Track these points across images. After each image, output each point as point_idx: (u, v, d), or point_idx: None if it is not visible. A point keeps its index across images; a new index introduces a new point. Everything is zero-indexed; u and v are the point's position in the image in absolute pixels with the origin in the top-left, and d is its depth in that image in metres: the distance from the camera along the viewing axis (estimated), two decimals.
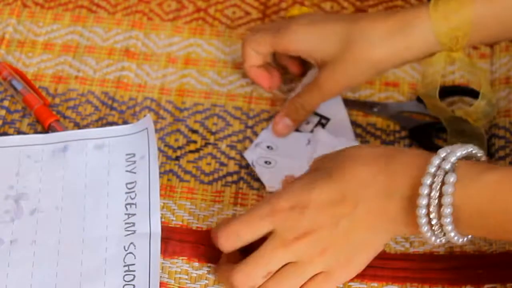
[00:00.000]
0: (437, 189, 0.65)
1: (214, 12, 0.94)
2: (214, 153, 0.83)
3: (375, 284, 0.73)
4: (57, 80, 0.88)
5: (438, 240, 0.67)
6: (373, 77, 0.85)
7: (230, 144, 0.83)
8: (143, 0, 0.94)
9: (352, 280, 0.73)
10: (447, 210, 0.65)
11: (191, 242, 0.76)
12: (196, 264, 0.75)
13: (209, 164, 0.82)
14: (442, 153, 0.66)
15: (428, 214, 0.66)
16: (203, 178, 0.81)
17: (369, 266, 0.74)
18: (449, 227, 0.65)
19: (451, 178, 0.65)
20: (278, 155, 0.82)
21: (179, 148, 0.83)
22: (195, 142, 0.84)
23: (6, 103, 0.86)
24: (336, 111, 0.85)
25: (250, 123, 0.85)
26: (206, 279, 0.74)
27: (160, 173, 0.80)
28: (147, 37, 0.91)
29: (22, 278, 0.73)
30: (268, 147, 0.83)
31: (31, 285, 0.73)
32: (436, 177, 0.65)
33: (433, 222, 0.66)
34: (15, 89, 0.86)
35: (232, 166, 0.82)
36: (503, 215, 0.64)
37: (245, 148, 0.83)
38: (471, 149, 0.67)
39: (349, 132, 0.83)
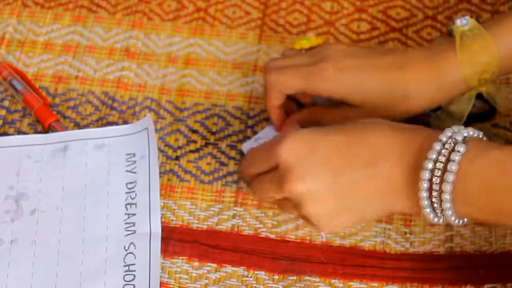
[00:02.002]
0: (446, 155, 0.66)
1: (214, 12, 0.94)
2: (214, 153, 0.83)
3: (375, 284, 0.73)
4: (57, 80, 0.88)
5: (432, 216, 0.67)
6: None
7: (230, 144, 0.83)
8: (143, 0, 0.94)
9: (352, 280, 0.74)
10: (450, 177, 0.65)
11: (191, 242, 0.76)
12: (196, 264, 0.75)
13: (209, 164, 0.82)
14: (455, 128, 0.67)
15: (431, 179, 0.66)
16: (203, 178, 0.81)
17: (369, 266, 0.74)
18: (447, 196, 0.65)
19: (461, 148, 0.65)
20: None
21: (179, 148, 0.83)
22: (195, 142, 0.84)
23: (6, 103, 0.86)
24: None
25: (250, 123, 0.85)
26: (206, 279, 0.74)
27: (160, 173, 0.80)
28: (147, 37, 0.91)
29: (22, 278, 0.73)
30: None
31: (31, 285, 0.73)
32: (447, 144, 0.66)
33: (434, 190, 0.66)
34: (15, 89, 0.86)
35: (232, 166, 0.82)
36: (504, 193, 0.64)
37: (242, 153, 0.83)
38: (481, 134, 0.68)
39: None
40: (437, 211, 0.67)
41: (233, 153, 0.83)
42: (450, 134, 0.67)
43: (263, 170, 0.74)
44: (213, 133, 0.84)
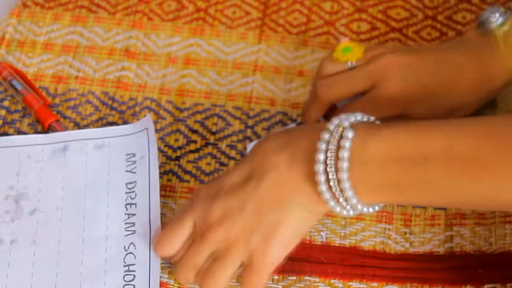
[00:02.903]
0: (335, 144, 0.65)
1: (214, 12, 0.94)
2: (214, 153, 0.83)
3: (375, 284, 0.73)
4: (57, 80, 0.88)
5: (340, 209, 0.66)
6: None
7: (230, 144, 0.83)
8: (143, 0, 0.94)
9: (351, 280, 0.74)
10: (344, 165, 0.64)
11: None
12: None
13: (209, 164, 0.82)
14: (343, 115, 0.66)
15: (326, 171, 0.65)
16: (203, 178, 0.81)
17: (369, 266, 0.74)
18: (346, 184, 0.64)
19: (349, 134, 0.64)
20: None
21: (179, 148, 0.83)
22: (195, 142, 0.84)
23: (6, 103, 0.86)
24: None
25: (250, 123, 0.85)
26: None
27: (160, 173, 0.80)
28: (147, 37, 0.92)
29: (22, 278, 0.73)
30: None
31: (31, 285, 0.73)
32: (334, 132, 0.65)
33: (331, 180, 0.65)
34: (15, 89, 0.86)
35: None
36: (400, 168, 0.63)
37: (245, 149, 0.83)
38: (372, 118, 0.67)
39: None
40: (341, 202, 0.66)
41: (233, 153, 0.83)
42: (337, 122, 0.66)
43: (182, 241, 0.72)
44: (213, 133, 0.84)
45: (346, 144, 0.64)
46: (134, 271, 0.73)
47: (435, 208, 0.78)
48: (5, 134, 0.84)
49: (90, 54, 0.90)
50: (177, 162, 0.82)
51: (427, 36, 0.90)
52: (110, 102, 0.86)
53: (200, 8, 0.94)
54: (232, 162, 0.82)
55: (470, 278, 0.73)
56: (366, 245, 0.76)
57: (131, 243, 0.75)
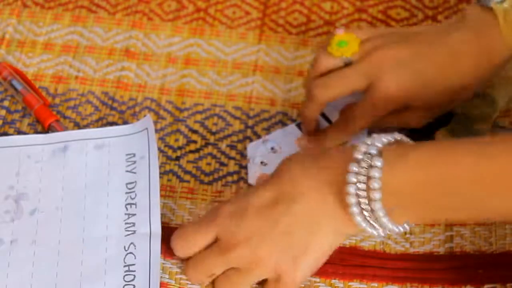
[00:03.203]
0: (364, 174, 0.65)
1: (214, 12, 0.94)
2: (214, 153, 0.83)
3: (375, 284, 0.73)
4: (57, 80, 0.88)
5: (376, 232, 0.67)
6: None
7: (230, 144, 0.83)
8: (143, 0, 0.94)
9: (352, 280, 0.73)
10: (376, 195, 0.64)
11: None
12: None
13: (209, 164, 0.82)
14: (368, 140, 0.66)
15: (359, 203, 0.65)
16: (203, 178, 0.81)
17: (369, 266, 0.74)
18: (381, 213, 0.65)
19: (378, 163, 0.64)
20: (279, 158, 0.82)
21: (179, 148, 0.83)
22: (195, 142, 0.84)
23: (6, 103, 0.86)
24: None
25: (250, 123, 0.85)
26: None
27: (160, 173, 0.80)
28: (147, 37, 0.91)
29: (22, 278, 0.73)
30: (272, 148, 0.82)
31: (31, 285, 0.73)
32: (362, 162, 0.65)
33: (365, 210, 0.65)
34: (15, 89, 0.86)
35: (232, 166, 0.82)
36: (432, 190, 0.64)
37: (245, 148, 0.83)
38: (398, 136, 0.67)
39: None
40: (376, 227, 0.67)
41: (233, 153, 0.83)
42: (364, 149, 0.66)
43: (201, 247, 0.72)
44: (213, 133, 0.84)
45: (376, 174, 0.64)
46: (134, 271, 0.73)
47: None
48: (5, 134, 0.84)
49: (90, 54, 0.90)
50: (177, 162, 0.82)
51: None
52: (110, 102, 0.86)
53: (200, 8, 0.94)
54: (232, 162, 0.82)
55: (470, 278, 0.73)
56: (366, 245, 0.76)
57: (131, 243, 0.75)
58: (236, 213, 0.70)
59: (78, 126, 0.85)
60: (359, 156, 0.65)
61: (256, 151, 0.82)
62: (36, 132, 0.84)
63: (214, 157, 0.83)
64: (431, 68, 0.77)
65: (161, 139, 0.84)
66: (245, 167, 0.82)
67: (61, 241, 0.75)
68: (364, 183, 0.65)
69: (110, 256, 0.74)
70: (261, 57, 0.90)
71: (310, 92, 0.80)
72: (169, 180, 0.81)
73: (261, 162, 0.81)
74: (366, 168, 0.65)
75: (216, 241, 0.71)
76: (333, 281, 0.74)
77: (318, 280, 0.74)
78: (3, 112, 0.86)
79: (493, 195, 0.63)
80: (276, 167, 0.71)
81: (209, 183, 0.81)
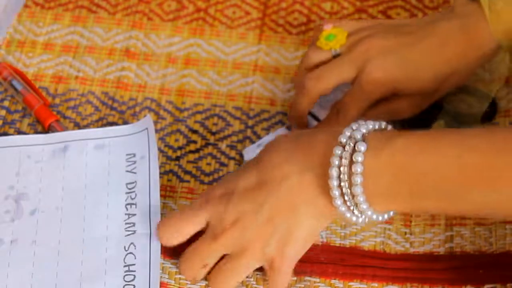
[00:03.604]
0: (348, 158, 0.65)
1: (214, 12, 0.94)
2: (214, 153, 0.83)
3: (375, 284, 0.73)
4: (57, 80, 0.88)
5: (355, 218, 0.67)
6: None
7: (230, 144, 0.83)
8: (143, 0, 0.94)
9: (352, 280, 0.74)
10: (357, 179, 0.65)
11: (191, 242, 0.76)
12: None
13: (209, 164, 0.82)
14: (354, 125, 0.67)
15: (340, 187, 0.65)
16: (203, 178, 0.81)
17: (369, 266, 0.74)
18: (361, 198, 0.65)
19: (361, 147, 0.65)
20: None
21: (179, 148, 0.83)
22: (195, 142, 0.84)
23: (6, 103, 0.86)
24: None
25: (250, 123, 0.85)
26: (206, 279, 0.74)
27: (160, 173, 0.80)
28: (147, 37, 0.92)
29: (22, 278, 0.73)
30: None
31: (31, 285, 0.73)
32: (347, 146, 0.66)
33: (345, 194, 0.65)
34: (15, 89, 0.86)
35: (232, 166, 0.82)
36: (414, 178, 0.64)
37: (242, 156, 0.83)
38: (383, 124, 0.67)
39: None
40: (356, 213, 0.67)
41: (233, 154, 0.83)
42: (349, 133, 0.66)
43: (190, 234, 0.72)
44: (213, 134, 0.84)
45: (359, 158, 0.65)
46: (134, 271, 0.73)
47: None
48: (5, 134, 0.84)
49: (90, 54, 0.90)
50: (177, 162, 0.82)
51: None
52: (110, 102, 0.86)
53: (200, 8, 0.94)
54: (232, 162, 0.82)
55: (470, 278, 0.73)
56: (366, 245, 0.76)
57: (131, 243, 0.75)
58: (224, 196, 0.70)
59: (78, 126, 0.85)
60: (343, 140, 0.66)
61: (253, 154, 0.82)
62: (36, 132, 0.84)
63: (214, 157, 0.83)
64: (418, 55, 0.78)
65: (161, 139, 0.84)
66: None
67: (61, 241, 0.75)
68: (346, 166, 0.65)
69: (110, 256, 0.74)
70: (261, 57, 0.90)
71: (302, 85, 0.80)
72: (169, 180, 0.81)
73: None
74: (350, 152, 0.65)
75: (206, 229, 0.71)
76: (333, 281, 0.74)
77: (318, 280, 0.74)
78: (3, 112, 0.86)
79: (474, 188, 0.63)
80: (262, 149, 0.72)
81: (209, 183, 0.81)
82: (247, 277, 0.74)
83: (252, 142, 0.83)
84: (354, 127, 0.67)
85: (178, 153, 0.83)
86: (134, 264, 0.73)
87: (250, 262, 0.70)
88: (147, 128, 0.81)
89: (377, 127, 0.67)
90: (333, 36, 0.80)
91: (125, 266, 0.73)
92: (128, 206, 0.77)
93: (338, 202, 0.66)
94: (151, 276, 0.72)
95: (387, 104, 0.80)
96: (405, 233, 0.77)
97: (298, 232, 0.69)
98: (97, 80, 0.88)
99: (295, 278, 0.74)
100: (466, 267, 0.74)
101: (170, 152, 0.83)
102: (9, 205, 0.78)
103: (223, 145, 0.83)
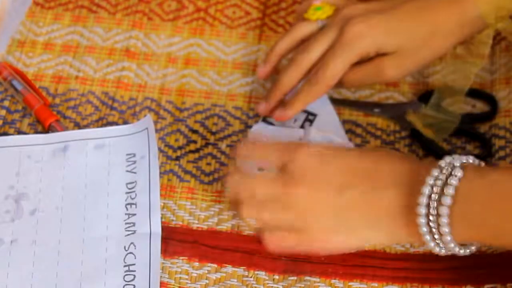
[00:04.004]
0: (443, 179, 0.65)
1: (214, 12, 0.94)
2: (214, 153, 0.83)
3: (375, 284, 0.73)
4: (57, 80, 0.88)
5: (435, 246, 0.67)
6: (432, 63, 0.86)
7: (230, 144, 0.83)
8: (143, 0, 0.94)
9: (352, 280, 0.74)
10: (447, 200, 0.65)
11: (192, 242, 0.76)
12: (197, 264, 0.75)
13: (209, 164, 0.82)
14: (455, 156, 0.67)
15: (428, 205, 0.66)
16: (203, 178, 0.81)
17: (369, 266, 0.74)
18: (445, 220, 0.65)
19: (458, 173, 0.65)
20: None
21: (179, 148, 0.83)
22: (195, 142, 0.84)
23: (6, 103, 0.86)
24: (322, 106, 0.84)
25: (250, 123, 0.85)
26: (206, 279, 0.74)
27: (160, 173, 0.80)
28: (147, 37, 0.92)
29: (23, 278, 0.73)
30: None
31: (31, 285, 0.73)
32: (444, 169, 0.66)
33: (431, 215, 0.65)
34: (15, 89, 0.86)
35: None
36: (501, 214, 0.64)
37: (248, 132, 0.83)
38: (483, 163, 0.68)
39: (338, 127, 0.83)
40: (435, 237, 0.66)
41: (233, 153, 0.83)
42: (448, 160, 0.67)
43: (262, 164, 0.73)
44: (213, 133, 0.84)
45: (453, 182, 0.65)
46: (134, 271, 0.73)
47: None
48: (5, 134, 0.84)
49: (90, 54, 0.90)
50: (177, 162, 0.82)
51: None
52: (110, 102, 0.86)
53: (200, 8, 0.94)
54: (232, 162, 0.82)
55: (470, 278, 0.73)
56: (367, 245, 0.76)
57: (131, 243, 0.75)
58: (315, 158, 0.70)
59: (78, 126, 0.85)
60: (442, 164, 0.66)
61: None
62: (36, 132, 0.84)
63: (214, 157, 0.83)
64: (400, 15, 0.79)
65: (161, 139, 0.84)
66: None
67: (61, 241, 0.75)
68: (439, 187, 0.65)
69: (110, 256, 0.74)
70: (261, 57, 0.90)
71: (293, 59, 0.81)
72: (169, 180, 0.81)
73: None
74: (446, 176, 0.66)
75: (281, 172, 0.71)
76: (333, 281, 0.74)
77: (318, 280, 0.74)
78: (3, 112, 0.86)
79: None
80: (377, 148, 0.75)
81: (209, 183, 0.81)
82: (247, 276, 0.74)
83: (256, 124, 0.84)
84: (454, 157, 0.67)
85: (178, 153, 0.83)
86: (134, 264, 0.73)
87: (286, 219, 0.70)
88: (147, 128, 0.81)
89: (476, 163, 0.68)
90: (320, 8, 0.82)
91: (125, 266, 0.73)
92: (128, 206, 0.77)
93: (422, 220, 0.66)
94: (151, 276, 0.72)
95: (371, 63, 0.80)
96: None
97: (357, 237, 0.70)
98: (97, 80, 0.88)
99: (295, 278, 0.74)
100: (466, 267, 0.74)
101: (170, 152, 0.83)
102: (9, 205, 0.78)
103: (223, 145, 0.83)
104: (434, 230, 0.66)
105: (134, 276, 0.73)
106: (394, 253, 0.76)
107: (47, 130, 0.84)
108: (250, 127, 0.84)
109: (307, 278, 0.74)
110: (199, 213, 0.79)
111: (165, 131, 0.84)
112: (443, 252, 0.67)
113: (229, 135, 0.84)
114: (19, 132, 0.84)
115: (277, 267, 0.75)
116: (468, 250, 0.68)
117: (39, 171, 0.80)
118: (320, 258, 0.75)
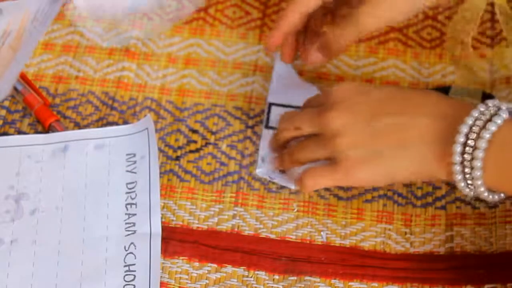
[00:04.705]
0: (484, 120, 0.66)
1: (214, 12, 0.94)
2: (214, 153, 0.83)
3: (375, 284, 0.73)
4: (57, 80, 0.88)
5: (465, 187, 0.67)
6: (410, 16, 0.85)
7: (231, 144, 0.83)
8: None
9: (352, 280, 0.74)
10: (482, 144, 0.65)
11: (192, 242, 0.76)
12: (197, 264, 0.75)
13: (209, 164, 0.82)
14: (501, 101, 0.68)
15: (464, 145, 0.66)
16: (204, 178, 0.81)
17: (369, 266, 0.74)
18: (479, 163, 0.65)
19: (498, 119, 0.65)
20: None
21: (179, 148, 0.83)
22: (195, 142, 0.84)
23: (6, 103, 0.86)
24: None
25: (250, 123, 0.85)
26: (206, 279, 0.74)
27: (160, 173, 0.80)
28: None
29: (23, 278, 0.73)
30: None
31: (31, 285, 0.73)
32: (486, 111, 0.66)
33: (467, 153, 0.65)
34: (15, 89, 0.86)
35: (233, 166, 0.82)
36: None
37: (246, 148, 0.83)
38: None
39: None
40: (467, 179, 0.67)
41: (233, 153, 0.83)
42: (496, 102, 0.67)
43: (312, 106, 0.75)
44: (213, 133, 0.84)
45: (492, 127, 0.65)
46: (135, 271, 0.73)
47: (436, 208, 0.78)
48: (6, 134, 0.84)
49: (90, 54, 0.90)
50: (177, 162, 0.82)
51: (427, 36, 0.90)
52: (110, 102, 0.86)
53: (200, 8, 0.94)
54: (232, 162, 0.82)
55: (470, 278, 0.73)
56: (367, 245, 0.76)
57: (132, 243, 0.75)
58: (352, 90, 0.73)
59: (78, 126, 0.85)
60: (490, 104, 0.67)
61: (267, 170, 0.81)
62: (37, 132, 0.84)
63: (214, 157, 0.83)
64: None
65: (161, 139, 0.84)
66: (245, 167, 0.81)
67: (61, 241, 0.75)
68: (483, 121, 0.66)
69: (110, 256, 0.74)
70: (261, 57, 0.90)
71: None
72: (169, 180, 0.81)
73: (280, 171, 0.80)
74: (486, 118, 0.66)
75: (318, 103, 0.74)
76: (333, 281, 0.74)
77: (318, 280, 0.74)
78: (4, 112, 0.86)
79: None
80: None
81: (209, 183, 0.81)
82: (247, 276, 0.74)
83: (252, 142, 0.83)
84: (501, 102, 0.67)
85: (178, 152, 0.83)
86: (134, 264, 0.73)
87: (332, 150, 0.71)
88: (147, 128, 0.81)
89: None
90: None
91: (125, 266, 0.73)
92: (128, 206, 0.77)
93: (457, 158, 0.66)
94: (151, 276, 0.72)
95: (349, 16, 0.80)
96: (405, 233, 0.77)
97: (391, 162, 0.70)
98: (97, 80, 0.88)
99: (295, 278, 0.74)
100: (466, 267, 0.74)
101: (170, 152, 0.83)
102: (9, 205, 0.78)
103: (223, 145, 0.83)
104: (467, 170, 0.66)
105: (134, 276, 0.73)
106: (394, 253, 0.76)
107: (47, 130, 0.84)
108: (251, 127, 0.84)
109: (307, 278, 0.74)
110: (199, 213, 0.79)
111: (165, 131, 0.84)
112: (471, 194, 0.68)
113: (229, 135, 0.84)
114: (19, 132, 0.84)
115: (277, 267, 0.75)
116: (496, 197, 0.68)
117: (39, 171, 0.80)
118: (320, 258, 0.75)
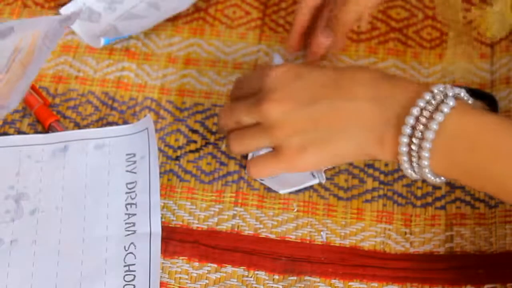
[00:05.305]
0: (434, 105, 0.65)
1: (214, 12, 0.94)
2: (214, 153, 0.83)
3: (375, 284, 0.73)
4: (57, 80, 0.88)
5: (408, 169, 0.67)
6: None
7: None
8: None
9: (352, 280, 0.74)
10: (434, 126, 0.65)
11: (192, 242, 0.76)
12: (196, 264, 0.75)
13: (209, 164, 0.82)
14: (448, 85, 0.67)
15: (414, 127, 0.66)
16: (203, 178, 0.81)
17: (369, 266, 0.74)
18: (428, 145, 0.65)
19: (451, 102, 0.65)
20: None
21: (179, 148, 0.83)
22: (195, 142, 0.84)
23: None
24: None
25: None
26: (206, 279, 0.74)
27: (160, 173, 0.80)
28: (147, 37, 0.91)
29: (23, 278, 0.73)
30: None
31: (31, 285, 0.73)
32: (437, 95, 0.66)
33: (415, 137, 0.65)
34: None
35: (232, 166, 0.82)
36: (489, 153, 0.64)
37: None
38: (467, 95, 0.68)
39: None
40: (413, 163, 0.67)
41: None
42: (442, 88, 0.67)
43: (247, 93, 0.75)
44: (213, 133, 0.84)
45: (445, 109, 0.65)
46: (135, 271, 0.73)
47: (436, 208, 0.78)
48: (5, 134, 0.84)
49: (90, 54, 0.90)
50: (177, 162, 0.82)
51: (427, 36, 0.90)
52: (110, 102, 0.86)
53: (200, 8, 0.94)
54: (232, 162, 0.82)
55: (470, 278, 0.73)
56: (366, 245, 0.76)
57: (131, 243, 0.75)
58: (288, 75, 0.72)
59: (78, 126, 0.85)
60: (435, 90, 0.66)
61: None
62: (36, 132, 0.84)
63: (214, 157, 0.83)
64: None
65: (161, 139, 0.84)
66: (245, 167, 0.82)
67: (61, 241, 0.75)
68: (429, 111, 0.65)
69: (110, 256, 0.74)
70: (261, 57, 0.90)
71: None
72: (169, 180, 0.81)
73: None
74: (438, 101, 0.66)
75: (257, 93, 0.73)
76: (333, 281, 0.74)
77: (318, 280, 0.74)
78: None
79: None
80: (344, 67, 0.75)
81: (209, 183, 0.81)
82: (246, 276, 0.74)
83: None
84: (448, 86, 0.67)
85: (178, 152, 0.83)
86: (134, 264, 0.73)
87: (274, 139, 0.71)
88: (147, 128, 0.81)
89: (466, 99, 0.67)
90: None
91: (125, 266, 0.73)
92: (128, 206, 0.77)
93: (404, 139, 0.66)
94: (151, 276, 0.72)
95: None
96: (405, 233, 0.77)
97: (332, 145, 0.70)
98: (97, 80, 0.88)
99: (295, 278, 0.74)
100: (466, 267, 0.74)
101: (170, 152, 0.83)
102: (9, 205, 0.78)
103: (223, 145, 0.83)
104: (413, 153, 0.66)
105: (134, 276, 0.73)
106: (394, 253, 0.76)
107: (47, 130, 0.84)
108: None
109: (307, 278, 0.74)
110: (199, 213, 0.79)
111: (165, 131, 0.84)
112: (414, 177, 0.68)
113: None
114: (19, 132, 0.84)
115: (277, 267, 0.75)
116: (439, 180, 0.68)
117: (39, 171, 0.80)
118: (319, 258, 0.75)
